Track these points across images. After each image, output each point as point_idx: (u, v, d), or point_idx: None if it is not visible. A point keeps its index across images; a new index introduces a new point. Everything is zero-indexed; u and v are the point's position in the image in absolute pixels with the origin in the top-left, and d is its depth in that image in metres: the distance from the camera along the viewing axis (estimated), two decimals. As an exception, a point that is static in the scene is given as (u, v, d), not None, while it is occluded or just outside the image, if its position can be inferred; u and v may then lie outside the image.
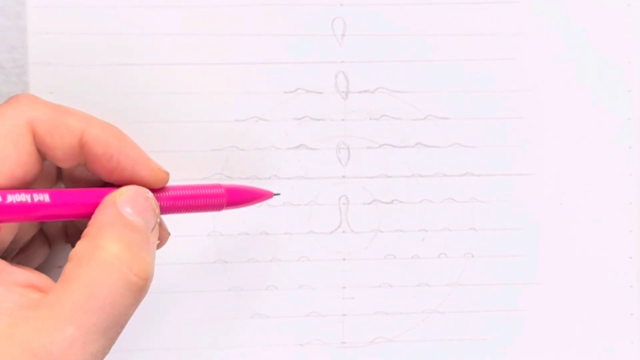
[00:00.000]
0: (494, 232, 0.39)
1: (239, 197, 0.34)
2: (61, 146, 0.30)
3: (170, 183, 0.32)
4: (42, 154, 0.30)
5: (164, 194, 0.32)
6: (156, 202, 0.31)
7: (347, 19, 0.38)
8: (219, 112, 0.38)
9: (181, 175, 0.37)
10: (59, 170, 0.33)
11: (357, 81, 0.39)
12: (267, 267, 0.39)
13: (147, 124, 0.38)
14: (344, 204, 0.39)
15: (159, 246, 0.32)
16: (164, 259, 0.37)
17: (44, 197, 0.29)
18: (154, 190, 0.31)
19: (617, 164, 0.40)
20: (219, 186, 0.33)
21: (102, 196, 0.30)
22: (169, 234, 0.34)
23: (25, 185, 0.30)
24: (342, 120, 0.39)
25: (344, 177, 0.39)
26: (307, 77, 0.38)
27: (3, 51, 0.37)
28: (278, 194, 0.37)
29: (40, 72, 0.37)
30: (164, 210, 0.32)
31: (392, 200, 0.39)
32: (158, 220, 0.31)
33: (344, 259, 0.39)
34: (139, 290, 0.28)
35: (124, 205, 0.29)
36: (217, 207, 0.33)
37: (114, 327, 0.27)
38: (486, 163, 0.39)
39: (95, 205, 0.29)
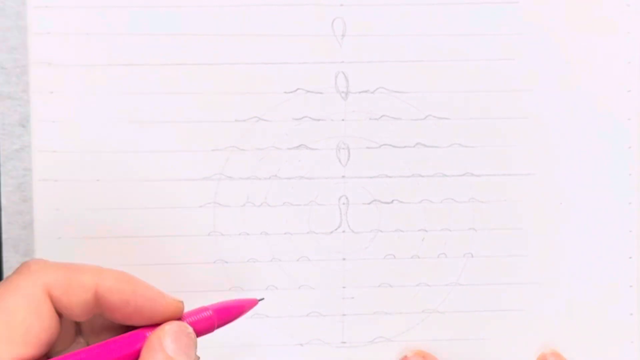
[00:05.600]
0: (494, 232, 0.39)
1: (226, 315, 0.34)
2: (78, 304, 0.30)
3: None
4: (59, 313, 0.30)
5: None
6: (195, 335, 0.31)
7: (347, 19, 0.38)
8: (219, 112, 0.38)
9: (181, 175, 0.37)
10: (77, 324, 0.33)
11: (357, 81, 0.39)
12: (267, 267, 0.39)
13: (148, 124, 0.38)
14: (344, 204, 0.39)
15: None
16: (165, 259, 0.37)
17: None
18: None
19: (617, 164, 0.40)
20: (205, 309, 0.33)
21: (141, 340, 0.30)
22: None
23: (50, 346, 0.30)
24: (342, 120, 0.39)
25: (344, 177, 0.39)
26: (307, 77, 0.38)
27: (3, 51, 0.37)
28: (262, 299, 0.36)
29: (40, 72, 0.37)
30: None
31: (392, 200, 0.39)
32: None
33: (344, 259, 0.39)
34: None
35: (170, 347, 0.30)
36: (208, 330, 0.33)
37: None
38: (486, 163, 0.39)
39: (137, 352, 0.30)
